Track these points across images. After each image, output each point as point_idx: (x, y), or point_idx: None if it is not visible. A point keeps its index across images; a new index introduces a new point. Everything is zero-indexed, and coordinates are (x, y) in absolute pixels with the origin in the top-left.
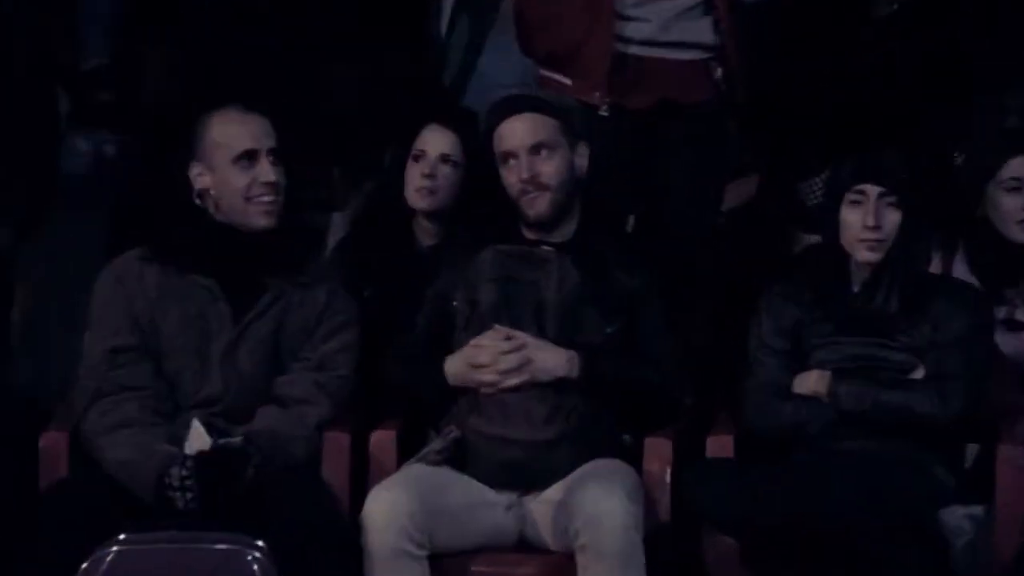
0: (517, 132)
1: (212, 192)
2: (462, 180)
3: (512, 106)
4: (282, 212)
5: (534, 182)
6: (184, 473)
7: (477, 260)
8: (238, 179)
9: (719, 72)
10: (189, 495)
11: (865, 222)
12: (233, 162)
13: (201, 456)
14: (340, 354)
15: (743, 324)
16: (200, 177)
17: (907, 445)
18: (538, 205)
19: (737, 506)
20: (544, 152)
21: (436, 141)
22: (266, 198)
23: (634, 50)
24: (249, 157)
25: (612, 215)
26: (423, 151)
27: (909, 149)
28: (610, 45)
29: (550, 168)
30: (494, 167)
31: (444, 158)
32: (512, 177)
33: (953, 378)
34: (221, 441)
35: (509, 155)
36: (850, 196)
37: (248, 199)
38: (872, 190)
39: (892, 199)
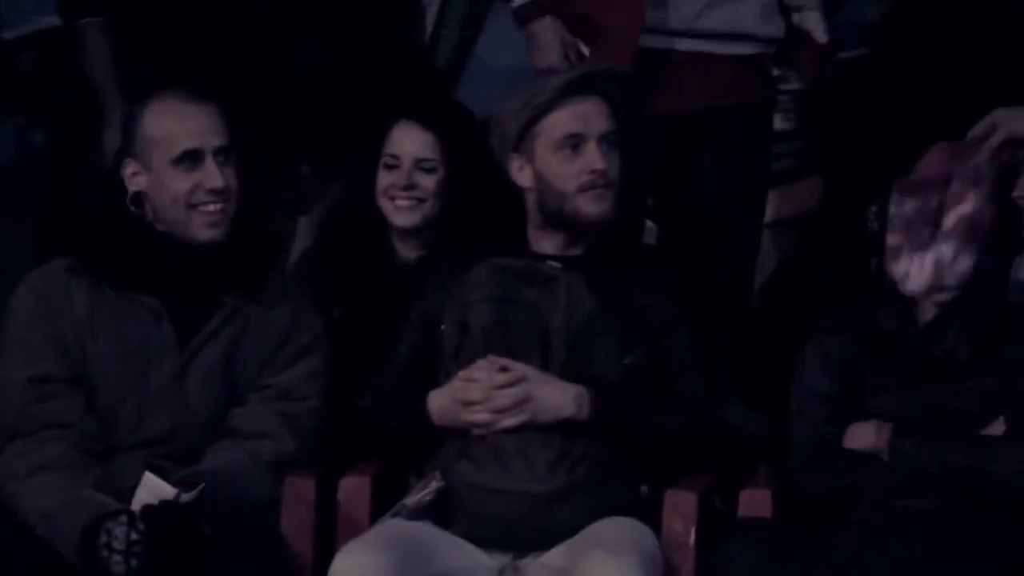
0: (589, 114)
1: (149, 196)
2: (446, 185)
3: (585, 85)
4: (232, 220)
5: (605, 176)
6: (134, 536)
7: (469, 276)
8: (179, 184)
9: (776, 72)
10: (134, 561)
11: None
12: (173, 164)
13: (152, 514)
14: (307, 381)
15: (789, 357)
16: (135, 177)
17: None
18: (603, 203)
19: None
20: (607, 146)
21: (409, 143)
22: (212, 207)
23: (655, 42)
24: (192, 158)
25: (630, 224)
26: (396, 156)
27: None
28: (638, 25)
29: (616, 164)
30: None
31: (421, 163)
32: (573, 167)
33: None
34: (184, 497)
35: (573, 139)
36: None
37: (191, 207)
38: None
39: None
